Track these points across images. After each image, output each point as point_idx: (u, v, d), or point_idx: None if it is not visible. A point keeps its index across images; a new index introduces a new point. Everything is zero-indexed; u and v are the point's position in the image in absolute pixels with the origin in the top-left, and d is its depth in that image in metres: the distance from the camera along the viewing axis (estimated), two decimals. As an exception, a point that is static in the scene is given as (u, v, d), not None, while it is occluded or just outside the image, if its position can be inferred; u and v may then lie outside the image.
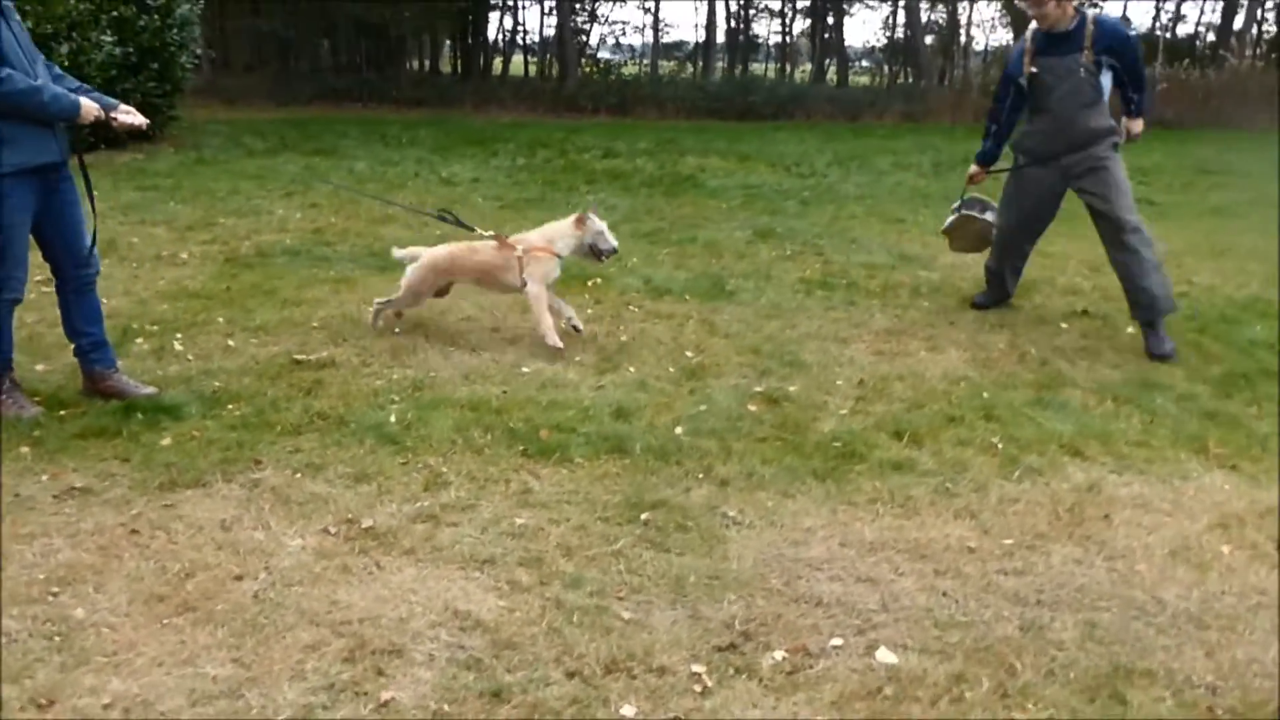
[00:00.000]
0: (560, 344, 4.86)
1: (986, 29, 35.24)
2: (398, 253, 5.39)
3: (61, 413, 4.00)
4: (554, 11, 30.31)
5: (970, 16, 33.96)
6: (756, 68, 38.25)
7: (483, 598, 2.81)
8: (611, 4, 37.84)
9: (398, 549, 3.06)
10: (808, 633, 2.70)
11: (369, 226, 8.35)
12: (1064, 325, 5.85)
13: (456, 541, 3.11)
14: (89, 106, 3.74)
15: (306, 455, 3.69)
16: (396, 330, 5.25)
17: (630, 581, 2.91)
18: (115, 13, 12.19)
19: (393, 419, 4.04)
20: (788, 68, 37.96)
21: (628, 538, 3.17)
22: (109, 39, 11.89)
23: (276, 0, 26.65)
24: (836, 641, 2.66)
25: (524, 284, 4.95)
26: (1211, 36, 29.15)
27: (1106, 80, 5.25)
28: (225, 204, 9.13)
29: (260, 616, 2.67)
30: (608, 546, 3.11)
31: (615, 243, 5.11)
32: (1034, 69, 5.33)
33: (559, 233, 5.06)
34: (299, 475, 3.53)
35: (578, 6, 34.12)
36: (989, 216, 6.00)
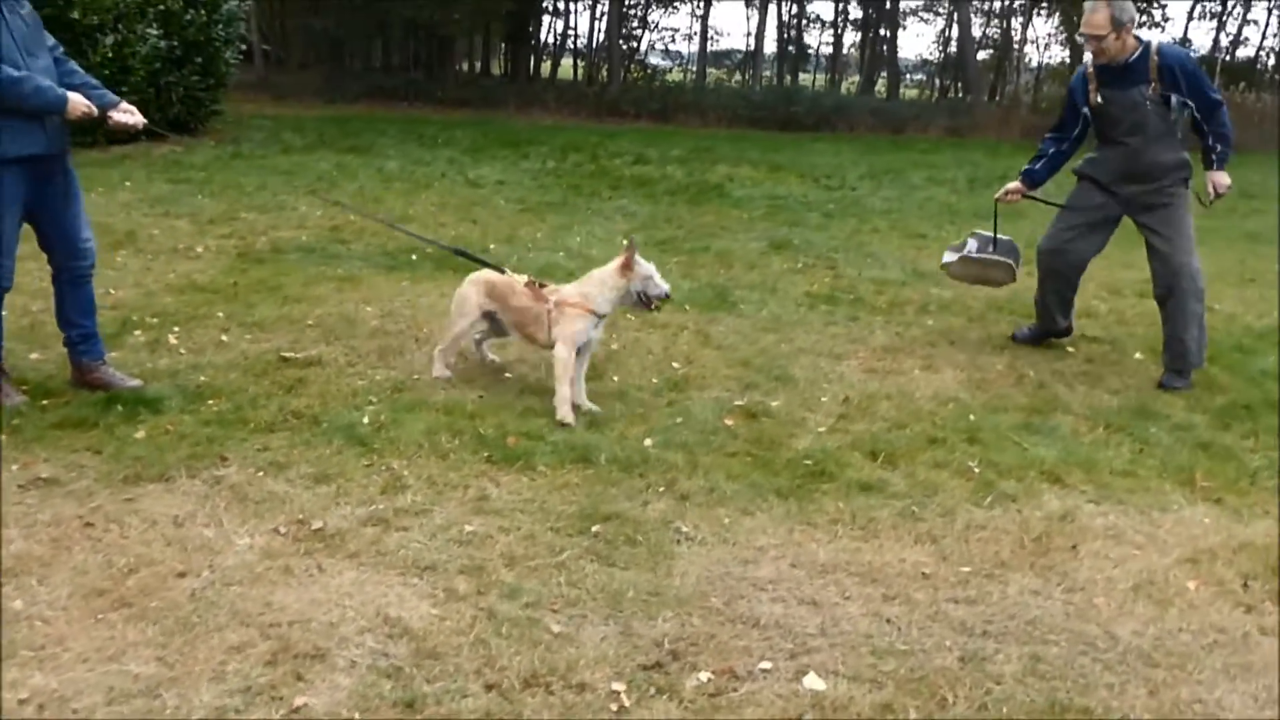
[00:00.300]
0: (571, 420, 4.16)
1: (1041, 45, 34.71)
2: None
3: (44, 402, 4.07)
4: (604, 16, 30.39)
5: (1025, 33, 33.48)
6: (806, 78, 38.15)
7: (416, 605, 2.81)
8: (663, 10, 37.76)
9: (343, 552, 3.07)
10: (738, 654, 2.66)
11: (386, 227, 8.41)
12: (1070, 349, 5.72)
13: (402, 546, 3.11)
14: (76, 102, 3.79)
15: (273, 454, 3.72)
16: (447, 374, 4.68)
17: (568, 594, 2.89)
18: (162, 6, 12.46)
19: (366, 420, 4.06)
20: (837, 79, 37.78)
21: (574, 549, 3.15)
22: (154, 32, 12.17)
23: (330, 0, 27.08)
24: (766, 665, 2.61)
25: (551, 343, 4.32)
26: (1272, 60, 28.49)
27: (1175, 111, 4.91)
28: (251, 199, 9.28)
29: (193, 615, 2.69)
30: (552, 558, 3.09)
31: (666, 286, 4.40)
32: (1099, 99, 5.01)
33: (600, 283, 4.32)
34: (261, 474, 3.56)
35: (629, 12, 34.28)
36: (994, 257, 5.60)
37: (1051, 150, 5.38)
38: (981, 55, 31.70)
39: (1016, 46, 31.61)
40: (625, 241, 4.57)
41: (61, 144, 3.94)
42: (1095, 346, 5.81)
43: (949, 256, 5.81)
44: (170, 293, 5.87)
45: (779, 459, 3.93)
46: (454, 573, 2.98)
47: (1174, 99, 4.84)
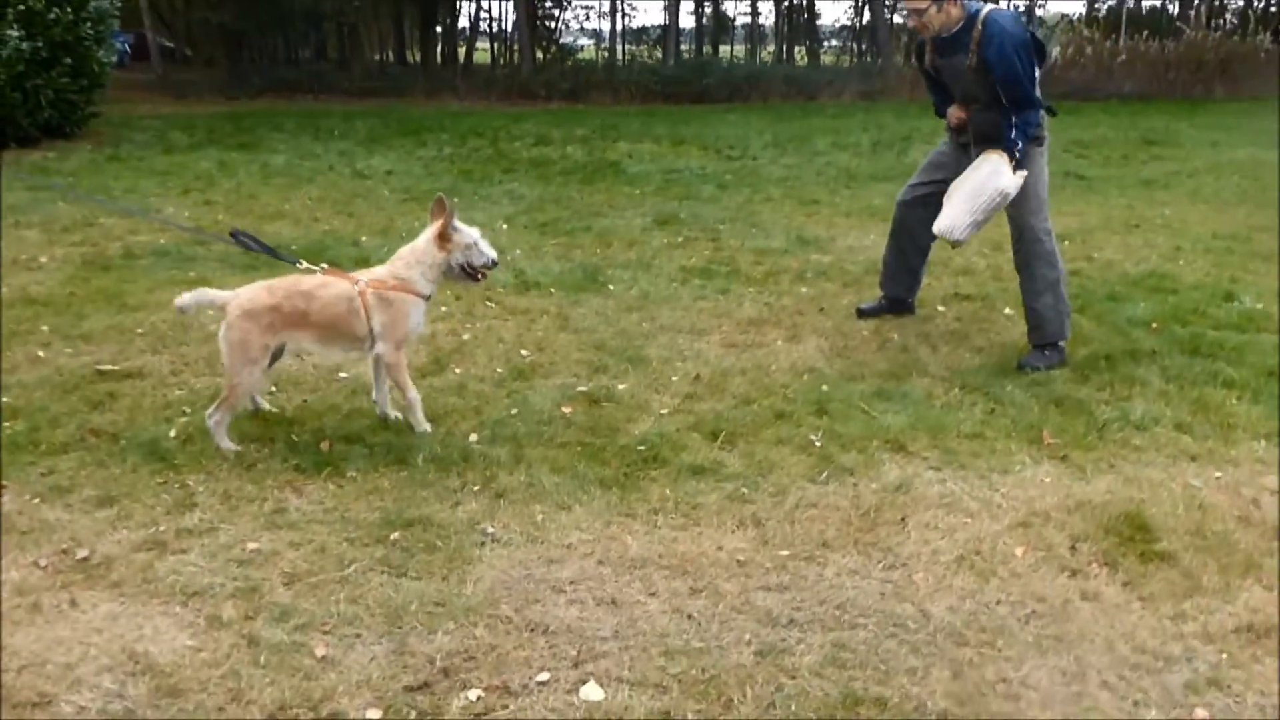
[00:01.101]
0: (428, 427, 3.80)
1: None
2: (182, 300, 3.62)
3: None
4: (513, -3, 29.86)
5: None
6: (729, 50, 38.00)
7: (173, 636, 2.56)
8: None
9: (105, 582, 2.81)
10: (517, 667, 2.46)
11: (256, 224, 8.06)
12: (941, 308, 5.62)
13: (174, 571, 2.86)
14: None
15: (58, 477, 3.43)
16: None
17: (345, 612, 2.67)
18: (23, 6, 11.84)
19: (173, 434, 3.78)
20: (754, 49, 37.70)
21: (365, 561, 2.92)
22: (15, 33, 11.57)
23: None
24: (543, 677, 2.42)
25: (373, 341, 3.67)
26: (1175, 9, 28.93)
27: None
28: (117, 203, 8.83)
29: (-90, 667, 2.43)
30: (338, 572, 2.87)
31: (492, 253, 3.78)
32: (933, 67, 4.79)
33: (416, 260, 3.69)
34: (38, 500, 3.27)
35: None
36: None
37: (936, 100, 5.06)
38: (899, 18, 31.72)
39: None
40: (435, 202, 3.78)
41: None
42: (966, 305, 5.71)
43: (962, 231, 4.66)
44: (-2, 307, 5.50)
45: (611, 447, 3.73)
46: (224, 597, 2.74)
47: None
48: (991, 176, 4.48)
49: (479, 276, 3.82)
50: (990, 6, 4.52)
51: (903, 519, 3.22)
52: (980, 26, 4.41)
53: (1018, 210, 4.63)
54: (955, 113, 4.84)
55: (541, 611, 2.70)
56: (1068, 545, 3.06)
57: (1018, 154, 4.48)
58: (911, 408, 4.12)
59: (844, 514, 3.25)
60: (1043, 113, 4.61)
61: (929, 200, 4.92)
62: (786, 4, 35.14)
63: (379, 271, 3.75)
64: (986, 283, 6.18)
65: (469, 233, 3.74)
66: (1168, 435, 3.86)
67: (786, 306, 5.64)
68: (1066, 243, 7.24)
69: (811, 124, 16.75)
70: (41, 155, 11.79)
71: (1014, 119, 4.47)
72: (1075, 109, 17.61)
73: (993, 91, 4.49)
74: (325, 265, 3.84)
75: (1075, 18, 30.29)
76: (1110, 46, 23.29)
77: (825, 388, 4.35)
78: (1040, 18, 30.14)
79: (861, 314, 5.41)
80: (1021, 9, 26.72)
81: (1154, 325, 5.21)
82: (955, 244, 4.73)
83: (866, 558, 3.00)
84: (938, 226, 4.67)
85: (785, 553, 3.01)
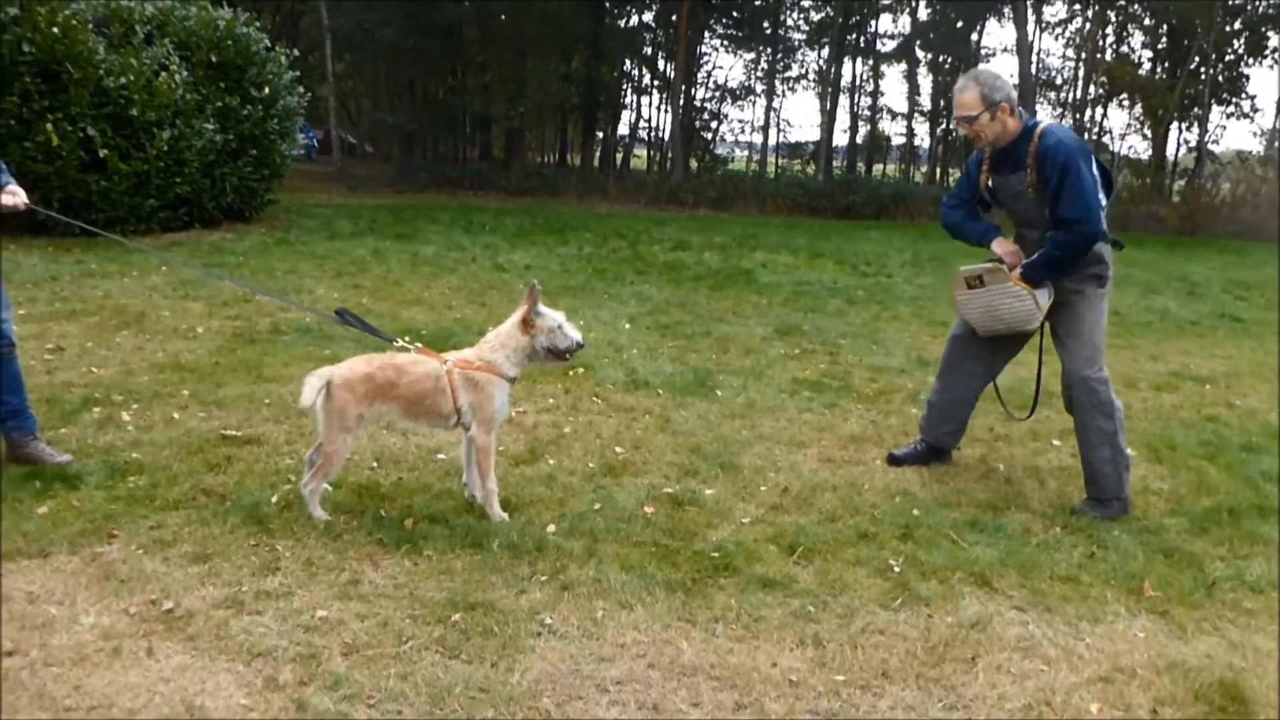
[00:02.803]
0: (504, 516, 3.90)
1: (1117, 136, 34.17)
2: (307, 399, 3.68)
3: (-36, 475, 4.12)
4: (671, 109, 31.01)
5: (1101, 123, 33.03)
6: (882, 169, 38.22)
7: (230, 694, 2.68)
8: (738, 104, 38.53)
9: (182, 635, 2.97)
10: (546, 763, 2.46)
11: (395, 308, 8.54)
12: (1057, 442, 5.40)
13: (245, 631, 3.00)
14: None
15: (163, 531, 3.67)
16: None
17: (393, 688, 2.73)
18: (220, 103, 13.06)
19: (274, 500, 4.00)
20: (908, 169, 37.76)
21: (422, 639, 2.99)
22: (211, 127, 12.73)
23: (405, 96, 28.31)
24: (569, 776, 2.41)
25: (460, 421, 3.84)
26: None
27: None
28: (275, 283, 9.52)
29: (-5, 695, 2.62)
30: (395, 647, 2.94)
31: (577, 335, 3.88)
32: (989, 183, 4.42)
33: (501, 344, 3.84)
34: (142, 551, 3.51)
35: (703, 105, 35.00)
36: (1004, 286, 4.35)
37: (954, 218, 4.63)
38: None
39: (1088, 134, 31.07)
40: (526, 288, 3.90)
41: None
42: (1084, 440, 5.46)
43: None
44: (150, 371, 5.97)
45: (686, 550, 3.73)
46: (284, 661, 2.85)
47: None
48: (1006, 299, 4.30)
49: (566, 358, 3.91)
50: (1048, 120, 4.29)
51: (973, 658, 3.07)
52: (1037, 140, 4.15)
53: (1068, 353, 4.33)
54: (1004, 246, 4.40)
55: (581, 709, 2.70)
56: (1150, 708, 2.85)
57: (1035, 275, 4.20)
58: (1004, 542, 3.96)
59: (910, 645, 3.13)
60: (1108, 251, 4.28)
61: (981, 337, 4.60)
62: (942, 128, 35.15)
63: (467, 353, 3.92)
64: (1111, 417, 5.90)
65: (552, 316, 3.85)
66: (1286, 598, 3.57)
67: (892, 426, 5.54)
68: (1208, 386, 6.88)
69: (955, 246, 16.49)
70: (221, 236, 12.84)
71: (1052, 236, 4.15)
72: (1241, 248, 16.83)
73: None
74: (419, 345, 4.03)
75: (1251, 155, 29.10)
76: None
77: (916, 512, 4.23)
78: (1211, 151, 29.06)
79: (895, 460, 4.88)
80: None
81: (1288, 479, 4.86)
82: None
83: (926, 694, 2.87)
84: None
85: (841, 678, 2.92)
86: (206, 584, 3.30)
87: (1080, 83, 32.24)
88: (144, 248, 9.83)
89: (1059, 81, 34.63)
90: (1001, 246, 4.43)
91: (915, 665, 3.01)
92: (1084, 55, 31.93)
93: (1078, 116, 31.94)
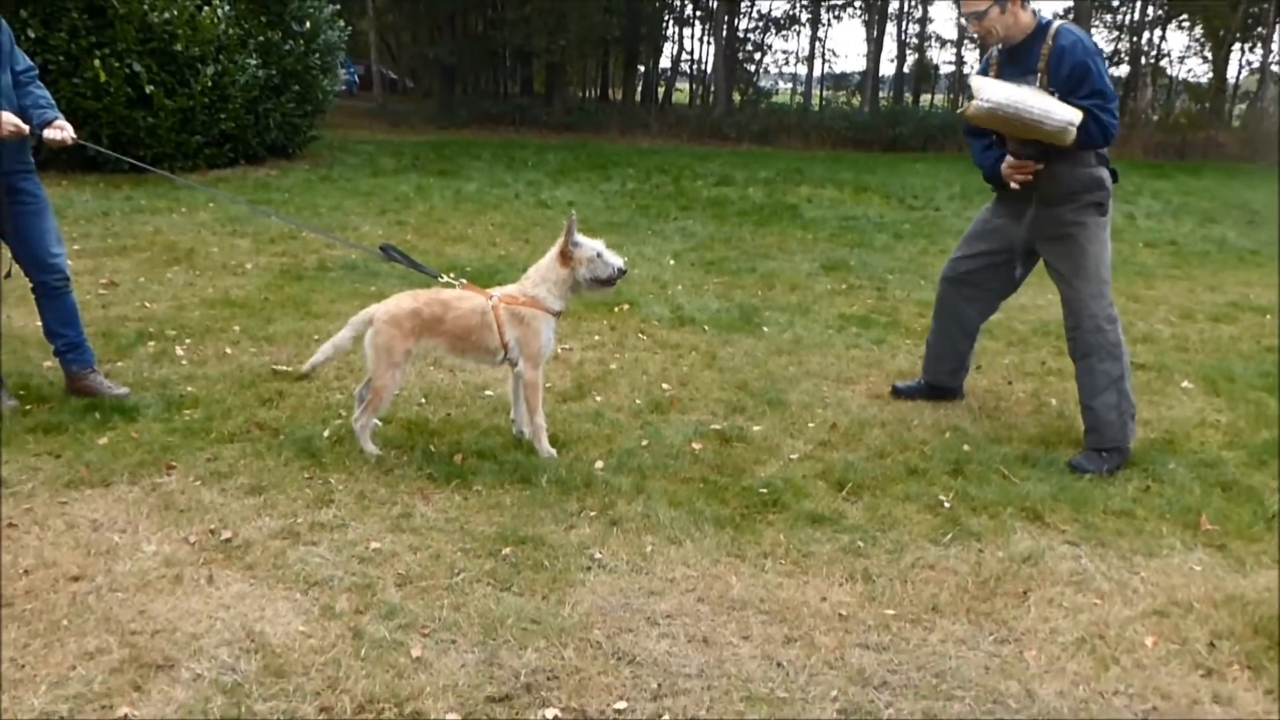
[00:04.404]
0: (553, 452, 3.90)
1: (1175, 59, 32.88)
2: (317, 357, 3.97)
3: (28, 407, 4.21)
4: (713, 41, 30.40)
5: (1159, 46, 31.83)
6: (929, 99, 37.29)
7: (288, 621, 2.74)
8: (782, 34, 37.66)
9: (240, 564, 3.04)
10: (597, 692, 2.49)
11: (440, 244, 8.55)
12: (1111, 377, 5.28)
13: (302, 561, 3.06)
14: (3, 121, 3.78)
15: (220, 464, 3.74)
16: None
17: (446, 618, 2.78)
18: (262, 38, 13.02)
19: (326, 434, 4.05)
20: (959, 100, 36.76)
21: (474, 571, 3.03)
22: (253, 62, 12.71)
23: (445, 30, 28.00)
24: (620, 705, 2.44)
25: (507, 356, 3.84)
26: None
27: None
28: (320, 219, 9.56)
29: (64, 619, 2.70)
30: (447, 579, 2.98)
31: (618, 261, 3.81)
32: None
33: (542, 278, 3.82)
34: (199, 483, 3.58)
35: (746, 36, 34.26)
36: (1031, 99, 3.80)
37: (979, 150, 4.30)
38: (1115, 70, 30.21)
39: (1144, 59, 29.99)
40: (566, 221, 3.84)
41: (12, 164, 3.98)
42: (1140, 374, 5.35)
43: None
44: (201, 307, 6.05)
45: (734, 487, 3.72)
46: (340, 590, 2.90)
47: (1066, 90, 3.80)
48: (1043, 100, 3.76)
49: (610, 284, 3.86)
50: (1063, 21, 3.96)
51: (1024, 592, 3.05)
52: (1051, 40, 3.85)
53: (1074, 291, 4.04)
54: (1013, 166, 4.02)
55: (632, 641, 2.72)
56: (1206, 641, 2.82)
57: (1092, 139, 3.78)
58: (1056, 477, 3.91)
59: (961, 580, 3.11)
60: (1107, 176, 4.01)
61: (972, 278, 4.49)
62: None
63: (511, 289, 3.91)
64: (1167, 352, 5.78)
65: (590, 246, 3.80)
66: (1349, 535, 3.50)
67: (942, 361, 5.46)
68: (1268, 317, 6.71)
69: (1006, 177, 16.14)
70: (265, 172, 12.90)
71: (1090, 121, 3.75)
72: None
73: None
74: (463, 280, 4.03)
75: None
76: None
77: (966, 447, 4.18)
78: (1275, 73, 27.93)
79: (897, 393, 4.83)
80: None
81: (1356, 413, 4.73)
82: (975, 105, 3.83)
83: (977, 628, 2.86)
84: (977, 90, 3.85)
85: (891, 612, 2.91)
86: (263, 515, 3.36)
87: (1138, 3, 31.07)
88: (191, 183, 9.91)
89: (1115, 3, 33.37)
90: (1011, 165, 4.03)
91: (966, 600, 3.00)
92: (1144, -26, 30.72)
93: (1134, 39, 30.85)
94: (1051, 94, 3.80)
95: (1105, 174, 4.01)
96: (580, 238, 3.81)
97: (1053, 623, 2.89)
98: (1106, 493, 3.78)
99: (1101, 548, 3.37)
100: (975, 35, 4.09)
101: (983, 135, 4.25)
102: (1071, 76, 3.80)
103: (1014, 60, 4.01)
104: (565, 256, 3.79)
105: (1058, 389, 5.04)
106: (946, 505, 3.63)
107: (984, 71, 4.21)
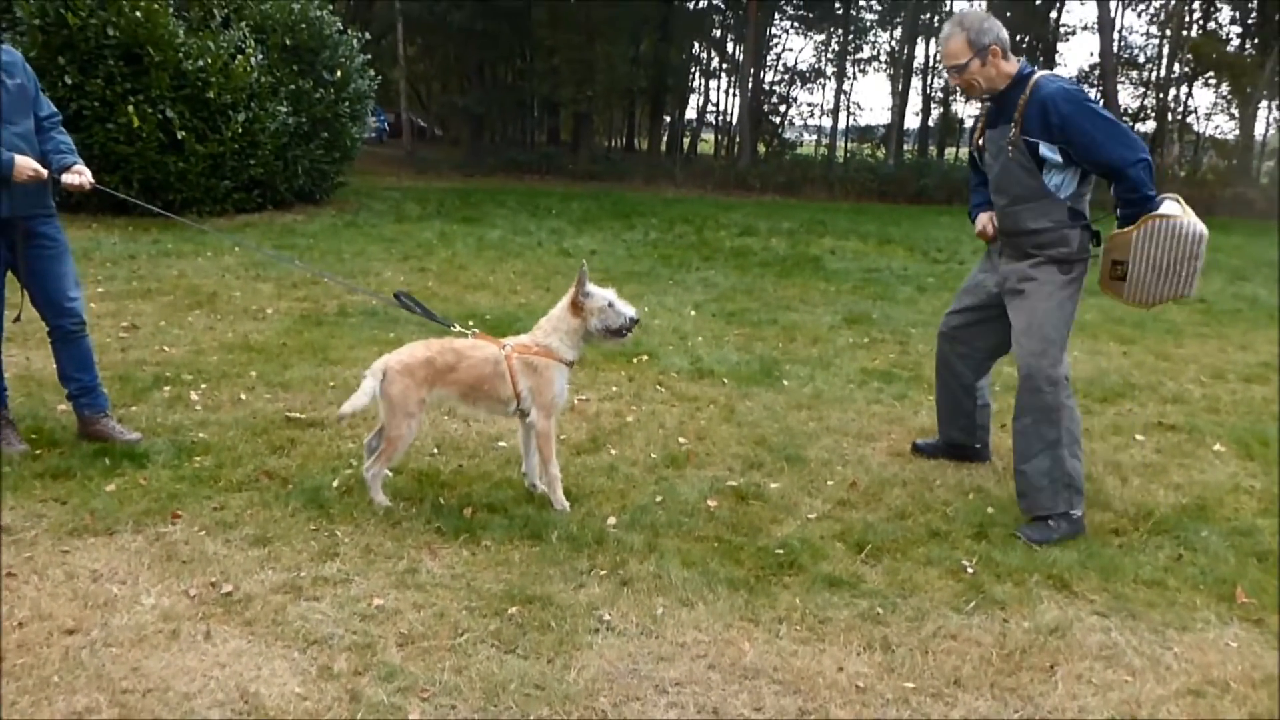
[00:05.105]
0: (567, 505, 3.84)
1: (1202, 115, 32.84)
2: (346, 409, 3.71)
3: (38, 451, 4.18)
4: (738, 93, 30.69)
5: (1184, 101, 31.85)
6: (954, 152, 37.38)
7: (284, 681, 2.65)
8: (807, 87, 37.98)
9: (239, 619, 2.96)
10: (601, 765, 2.38)
11: (460, 291, 8.54)
12: (1139, 437, 5.16)
13: (302, 617, 2.97)
14: (21, 165, 3.79)
15: (226, 513, 3.68)
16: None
17: (447, 681, 2.68)
18: (294, 86, 13.22)
19: (335, 484, 3.99)
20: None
21: (478, 631, 2.94)
22: (284, 109, 12.89)
23: (475, 79, 28.43)
24: (624, 780, 2.33)
25: (520, 406, 3.77)
26: None
27: (1056, 172, 3.75)
28: (343, 265, 9.61)
29: (55, 675, 2.62)
30: (450, 639, 2.89)
31: (630, 311, 3.78)
32: (980, 141, 4.06)
33: (554, 325, 3.80)
34: (204, 533, 3.51)
35: (772, 89, 34.59)
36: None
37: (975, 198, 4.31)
38: (1140, 127, 30.17)
39: (1171, 114, 29.96)
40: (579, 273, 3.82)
41: (31, 207, 3.99)
42: (1169, 435, 5.21)
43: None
44: (219, 351, 6.04)
45: (749, 546, 3.62)
46: (340, 649, 2.82)
47: (1043, 148, 3.70)
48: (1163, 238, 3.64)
49: (624, 335, 3.81)
50: (1045, 72, 3.83)
51: (1051, 666, 2.92)
52: (1029, 91, 3.71)
53: (1018, 347, 3.92)
54: (984, 220, 4.09)
55: (639, 710, 2.61)
56: (1245, 724, 2.67)
57: (1150, 203, 3.63)
58: (1084, 543, 3.77)
59: (985, 651, 2.99)
60: (1078, 235, 3.82)
61: (961, 334, 4.38)
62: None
63: (524, 338, 3.86)
64: (1198, 413, 5.64)
65: (601, 295, 3.76)
66: (1394, 611, 3.34)
67: (965, 419, 5.34)
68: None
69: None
70: (292, 218, 13.03)
71: (1115, 194, 3.70)
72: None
73: (1034, 177, 3.76)
74: (476, 330, 3.97)
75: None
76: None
77: (990, 510, 4.06)
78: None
79: (918, 450, 4.71)
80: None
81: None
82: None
83: (1002, 704, 2.73)
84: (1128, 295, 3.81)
85: (910, 685, 2.79)
86: (266, 568, 3.29)
87: (1164, 60, 31.13)
88: (209, 228, 10.00)
89: (1142, 60, 33.47)
90: (983, 219, 4.13)
91: (990, 673, 2.87)
92: (1168, 31, 30.82)
93: (1161, 96, 30.85)
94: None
95: (1075, 233, 3.83)
96: (592, 287, 3.76)
97: (1081, 700, 2.76)
98: (1137, 561, 3.65)
99: (1132, 620, 3.23)
100: (958, 89, 4.01)
101: (982, 178, 4.18)
102: (1050, 126, 3.66)
103: (998, 112, 3.90)
104: (576, 306, 3.75)
105: (1084, 449, 4.89)
106: (969, 570, 3.51)
107: (975, 121, 4.19)
